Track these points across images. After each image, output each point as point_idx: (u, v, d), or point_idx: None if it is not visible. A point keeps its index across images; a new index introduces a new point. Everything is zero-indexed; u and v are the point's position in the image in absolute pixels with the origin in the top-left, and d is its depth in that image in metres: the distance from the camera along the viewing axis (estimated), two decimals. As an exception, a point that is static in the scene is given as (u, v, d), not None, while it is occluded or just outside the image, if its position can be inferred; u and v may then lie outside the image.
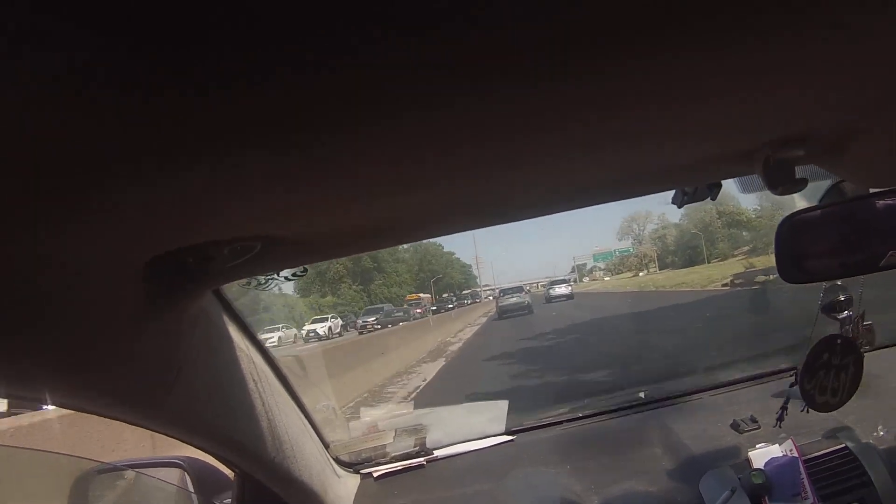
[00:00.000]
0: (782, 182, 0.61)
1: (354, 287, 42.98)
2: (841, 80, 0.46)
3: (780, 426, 1.06)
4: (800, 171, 0.70)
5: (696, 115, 0.47)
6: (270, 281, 0.87)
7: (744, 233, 38.72)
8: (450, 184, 0.53)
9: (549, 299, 25.64)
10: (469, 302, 39.26)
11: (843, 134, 0.60)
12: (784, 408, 1.05)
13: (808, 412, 0.97)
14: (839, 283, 0.97)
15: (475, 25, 0.27)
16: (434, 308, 31.46)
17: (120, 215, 0.40)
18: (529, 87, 0.34)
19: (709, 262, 35.35)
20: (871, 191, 0.81)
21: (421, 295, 40.23)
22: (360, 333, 19.59)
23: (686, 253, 42.85)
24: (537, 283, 52.29)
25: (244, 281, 0.81)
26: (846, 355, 0.93)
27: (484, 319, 21.29)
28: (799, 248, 0.82)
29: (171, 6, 0.23)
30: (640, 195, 0.74)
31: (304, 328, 23.70)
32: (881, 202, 0.80)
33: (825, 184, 0.85)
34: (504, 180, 0.56)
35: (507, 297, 22.03)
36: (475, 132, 0.40)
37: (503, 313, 20.47)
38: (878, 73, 0.46)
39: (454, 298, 41.45)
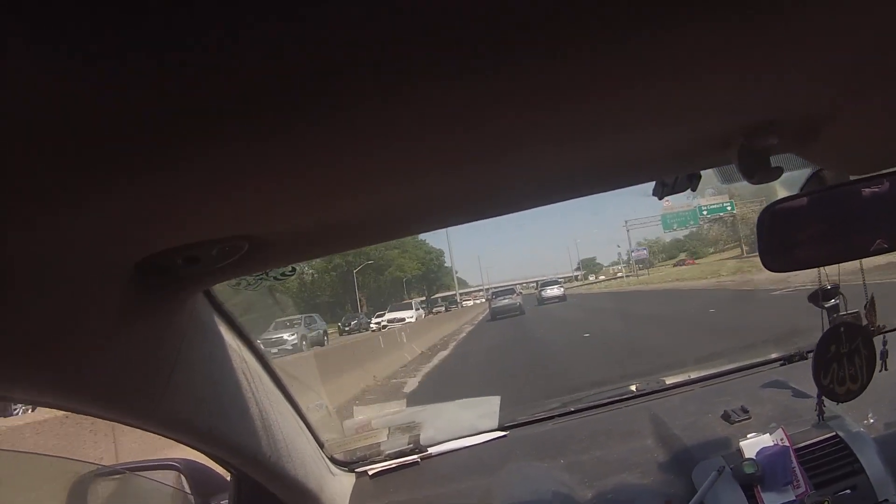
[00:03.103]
0: (757, 170, 0.62)
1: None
2: (813, 66, 0.47)
3: (822, 419, 1.05)
4: (778, 161, 0.71)
5: (674, 98, 0.47)
6: (260, 281, 0.88)
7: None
8: (434, 176, 0.54)
9: (542, 301, 24.99)
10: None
11: (815, 121, 0.61)
12: (820, 402, 1.03)
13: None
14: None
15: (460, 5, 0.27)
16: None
17: (104, 216, 0.40)
18: (518, 70, 0.35)
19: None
20: (852, 178, 0.81)
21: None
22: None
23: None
24: (554, 278, 35.24)
25: (234, 282, 0.82)
26: (853, 339, 0.93)
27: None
28: (782, 237, 0.83)
29: None
30: (621, 187, 0.75)
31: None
32: (863, 188, 0.80)
33: (806, 173, 0.85)
34: (492, 171, 0.56)
35: (498, 299, 21.96)
36: (459, 120, 0.41)
37: (495, 314, 20.35)
38: (849, 60, 0.46)
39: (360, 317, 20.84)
